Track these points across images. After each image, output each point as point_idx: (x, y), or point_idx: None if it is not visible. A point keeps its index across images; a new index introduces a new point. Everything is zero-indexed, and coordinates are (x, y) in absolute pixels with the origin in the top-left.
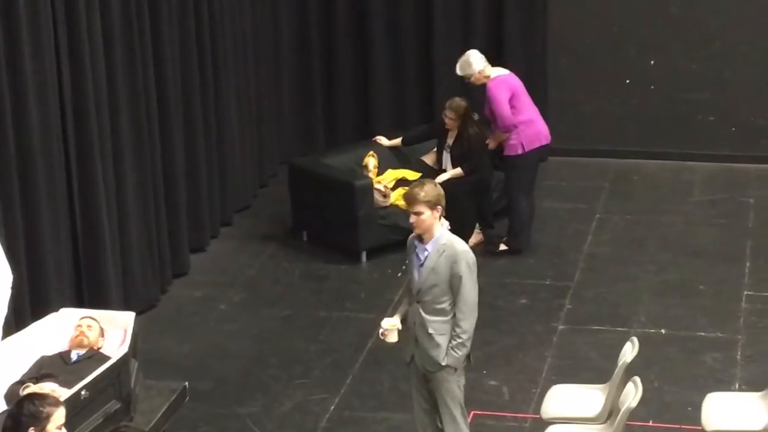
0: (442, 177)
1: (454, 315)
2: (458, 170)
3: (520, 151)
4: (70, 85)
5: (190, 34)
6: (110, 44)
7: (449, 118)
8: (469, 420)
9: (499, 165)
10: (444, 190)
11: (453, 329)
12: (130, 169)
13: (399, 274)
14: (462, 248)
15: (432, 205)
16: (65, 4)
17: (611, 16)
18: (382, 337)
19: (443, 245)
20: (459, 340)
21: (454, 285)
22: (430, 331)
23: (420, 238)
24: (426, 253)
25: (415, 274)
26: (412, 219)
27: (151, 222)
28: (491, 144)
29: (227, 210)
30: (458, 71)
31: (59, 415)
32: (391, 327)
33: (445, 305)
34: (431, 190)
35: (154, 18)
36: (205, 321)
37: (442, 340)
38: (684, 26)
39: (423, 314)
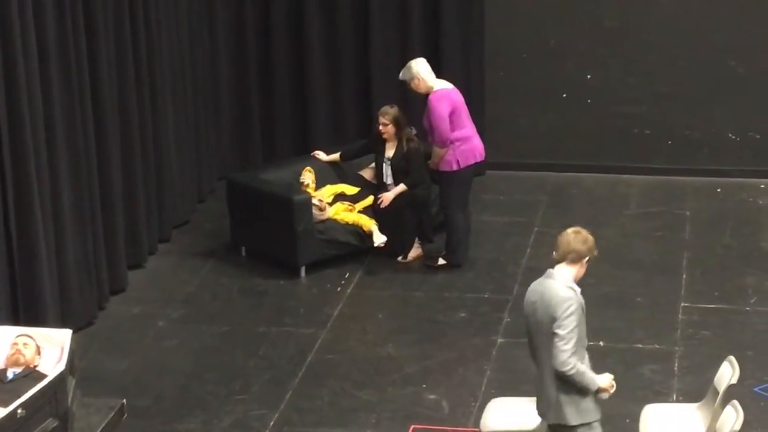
0: (389, 196)
1: None
2: (402, 186)
3: (455, 167)
4: (4, 102)
5: (126, 48)
6: (45, 61)
7: (383, 124)
8: None
9: (436, 179)
10: (391, 207)
11: None
12: (66, 185)
13: (338, 289)
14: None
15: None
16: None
17: (547, 30)
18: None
19: None
20: None
21: None
22: None
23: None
24: None
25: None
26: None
27: (88, 238)
28: (432, 164)
29: (165, 226)
30: (401, 75)
31: None
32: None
33: None
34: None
35: (90, 32)
36: (143, 337)
37: None
38: (619, 41)
39: None
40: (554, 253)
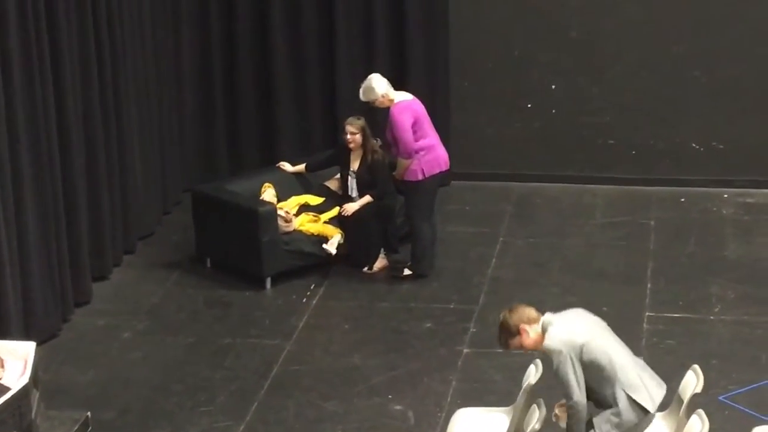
0: (353, 207)
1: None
2: (367, 198)
3: (420, 177)
4: None
5: (91, 59)
6: (8, 69)
7: (351, 133)
8: None
9: (401, 190)
10: (356, 218)
11: None
12: (30, 197)
13: (303, 300)
14: (545, 346)
15: (516, 332)
16: None
17: (512, 40)
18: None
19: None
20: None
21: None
22: None
23: None
24: None
25: None
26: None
27: (53, 250)
28: (397, 174)
29: (130, 238)
30: (361, 97)
31: None
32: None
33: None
34: (505, 320)
35: (54, 42)
36: (108, 350)
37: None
38: (584, 51)
39: None
40: (535, 313)
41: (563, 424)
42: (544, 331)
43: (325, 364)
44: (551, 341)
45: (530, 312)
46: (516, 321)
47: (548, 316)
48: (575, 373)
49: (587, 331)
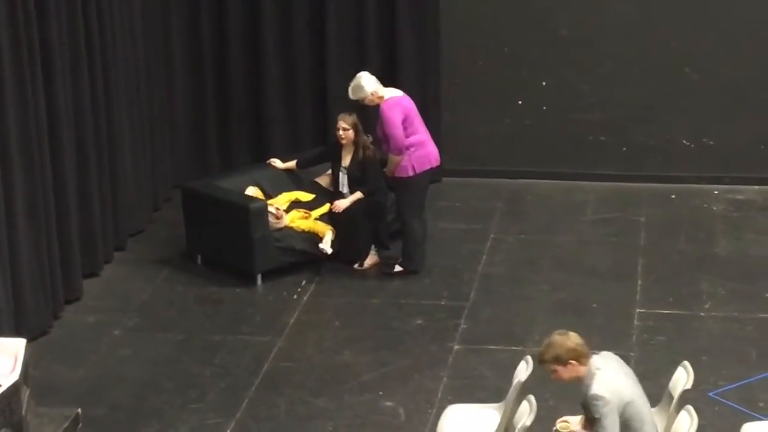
0: (344, 203)
1: None
2: (358, 194)
3: (410, 173)
4: None
5: (81, 56)
6: None
7: (343, 129)
8: None
9: (392, 186)
10: (347, 215)
11: None
12: (20, 193)
13: (294, 296)
14: (589, 393)
15: (564, 362)
16: None
17: (503, 37)
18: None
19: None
20: None
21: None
22: None
23: None
24: None
25: None
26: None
27: (43, 247)
28: (388, 171)
29: (120, 234)
30: (351, 95)
31: None
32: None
33: None
34: (560, 344)
35: (45, 39)
36: (98, 347)
37: None
38: (574, 48)
39: None
40: (587, 351)
41: None
42: (589, 372)
43: (316, 361)
44: (603, 389)
45: (584, 350)
46: (570, 353)
47: (597, 360)
48: (617, 425)
49: (632, 390)
